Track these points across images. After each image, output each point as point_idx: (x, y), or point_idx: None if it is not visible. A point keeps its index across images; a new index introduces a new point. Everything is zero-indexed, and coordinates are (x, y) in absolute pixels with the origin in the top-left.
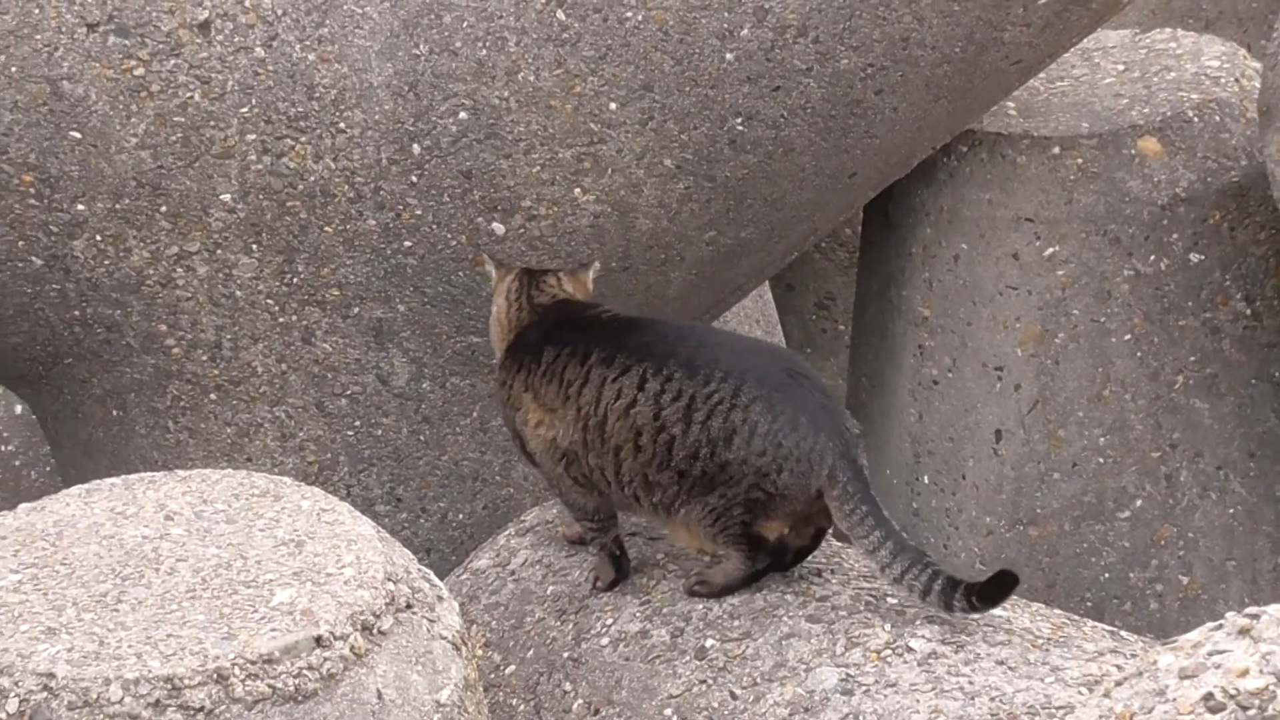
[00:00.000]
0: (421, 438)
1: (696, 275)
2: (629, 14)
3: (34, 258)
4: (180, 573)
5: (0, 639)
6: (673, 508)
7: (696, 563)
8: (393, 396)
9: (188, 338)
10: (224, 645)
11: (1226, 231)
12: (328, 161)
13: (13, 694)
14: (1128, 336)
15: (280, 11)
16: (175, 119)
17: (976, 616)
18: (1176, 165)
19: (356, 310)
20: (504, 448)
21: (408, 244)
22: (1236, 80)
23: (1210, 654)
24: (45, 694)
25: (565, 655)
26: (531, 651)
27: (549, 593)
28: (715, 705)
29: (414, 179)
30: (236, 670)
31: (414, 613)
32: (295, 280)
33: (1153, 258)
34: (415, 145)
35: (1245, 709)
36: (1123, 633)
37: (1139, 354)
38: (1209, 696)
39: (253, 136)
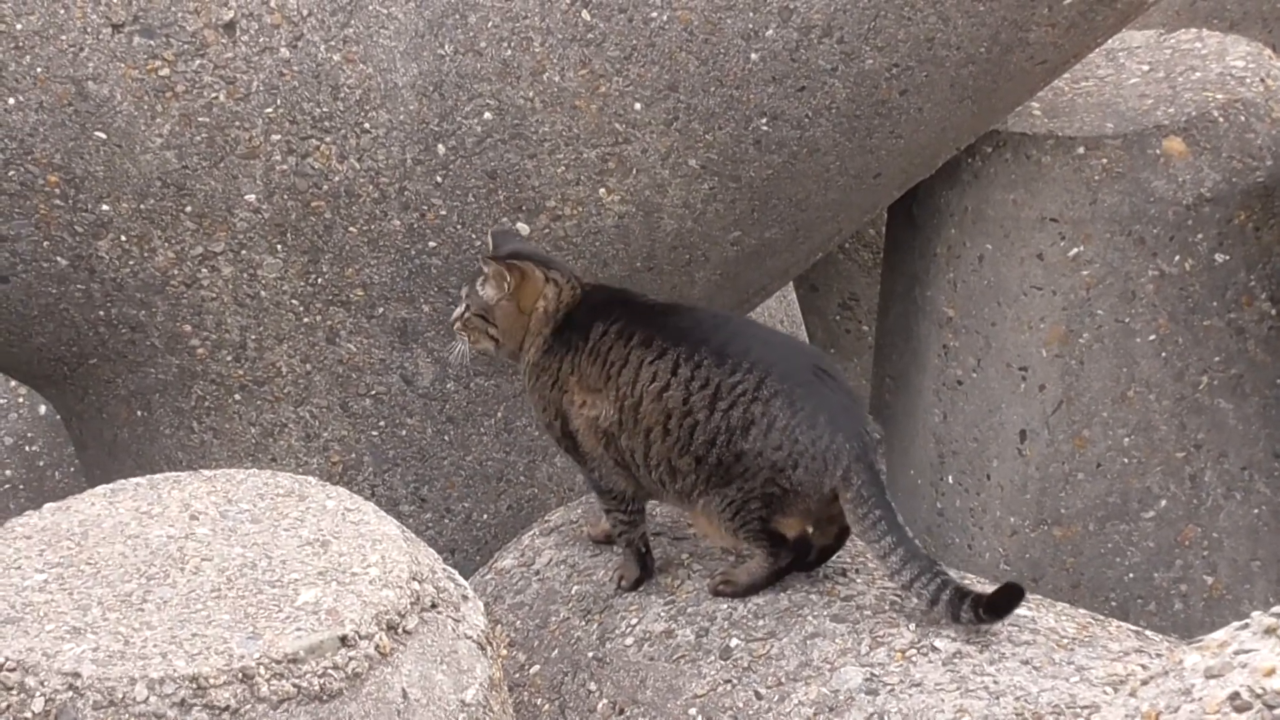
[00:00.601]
0: (446, 438)
1: (721, 275)
2: (654, 14)
3: (59, 258)
4: (205, 572)
5: (26, 638)
6: (691, 496)
7: (721, 562)
8: (417, 397)
9: (212, 338)
10: (249, 645)
11: (1251, 232)
12: (352, 162)
13: (38, 693)
14: (1152, 337)
15: (305, 12)
16: (200, 119)
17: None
18: (1201, 165)
19: (381, 310)
20: (528, 448)
21: (432, 244)
22: (1262, 80)
23: (1236, 653)
24: (71, 693)
25: (590, 655)
26: (556, 651)
27: (574, 592)
28: (740, 705)
29: (439, 179)
30: (262, 670)
31: (439, 612)
32: (320, 280)
33: (1177, 258)
34: (440, 145)
35: (1271, 708)
36: (1147, 632)
37: (1164, 354)
38: (1235, 696)
39: (278, 137)
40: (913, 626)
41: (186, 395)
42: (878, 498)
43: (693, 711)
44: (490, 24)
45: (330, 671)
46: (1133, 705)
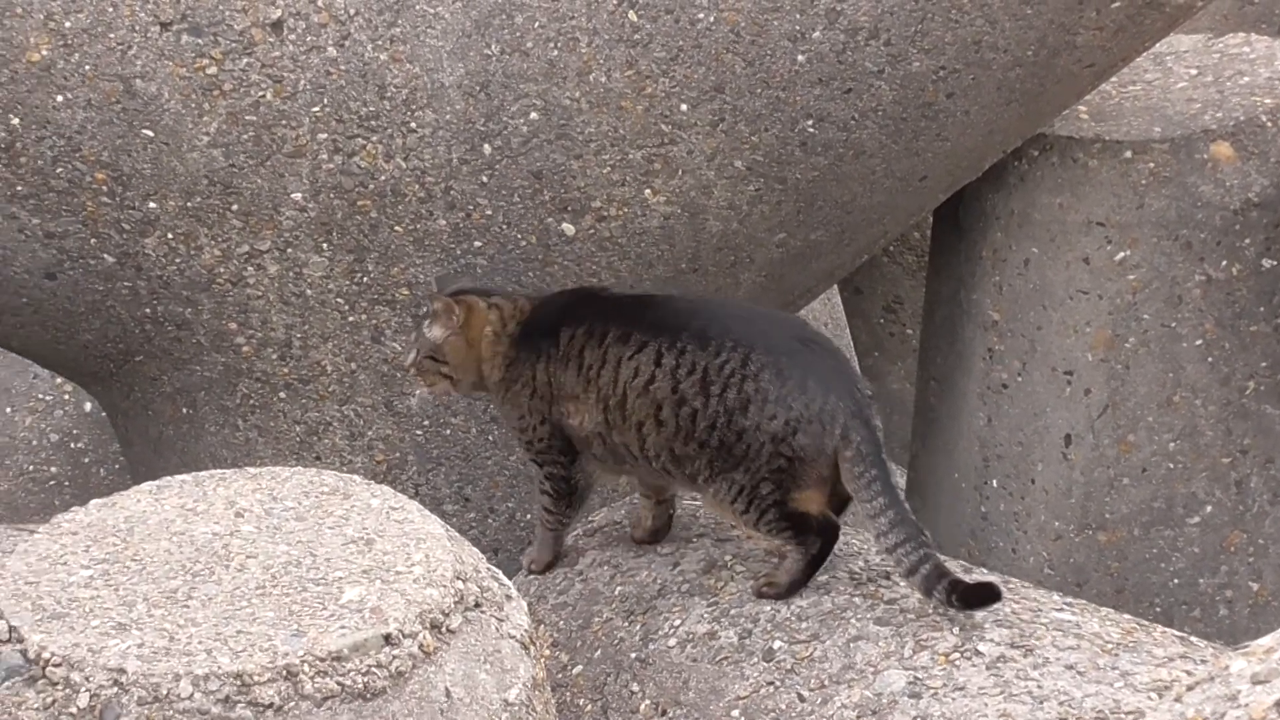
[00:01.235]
0: (490, 438)
1: (766, 277)
2: (701, 15)
3: (106, 255)
4: (250, 570)
5: (71, 634)
6: (699, 481)
7: (764, 564)
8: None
9: (258, 336)
10: (293, 642)
11: None
12: (399, 161)
13: (83, 689)
14: (1199, 342)
15: (352, 11)
16: (247, 118)
17: (1040, 619)
18: (1249, 170)
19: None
20: None
21: (478, 244)
22: None
23: None
24: (115, 689)
25: (633, 656)
26: (599, 652)
27: (616, 593)
28: (783, 707)
29: (484, 179)
30: (306, 667)
31: (483, 612)
32: (365, 279)
33: (1224, 263)
34: (486, 145)
35: None
36: (1192, 638)
37: (1210, 359)
38: None
39: (324, 136)
40: (956, 630)
41: (232, 393)
42: (874, 456)
43: (735, 713)
44: (537, 24)
45: (374, 670)
46: (1178, 711)
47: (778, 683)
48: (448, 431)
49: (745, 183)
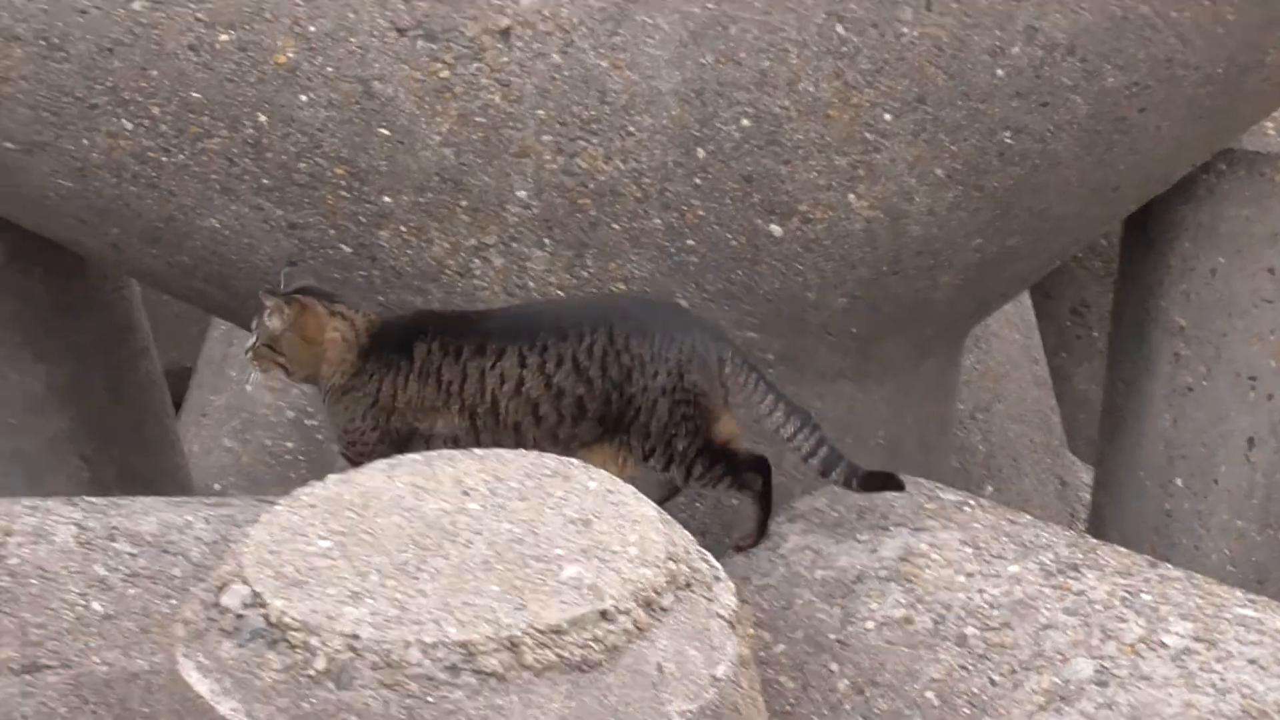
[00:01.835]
0: None
1: (963, 281)
2: (905, 30)
3: (344, 245)
4: (475, 545)
5: (309, 600)
6: (574, 446)
7: (958, 552)
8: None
9: None
10: (516, 615)
11: None
12: (617, 162)
13: (320, 653)
14: None
15: (576, 20)
16: (477, 119)
17: (1224, 614)
18: None
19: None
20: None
21: (690, 243)
22: None
23: None
24: (350, 654)
25: (832, 637)
26: (800, 632)
27: (817, 577)
28: (975, 690)
29: (697, 181)
30: (527, 639)
31: (693, 591)
32: (584, 274)
33: None
34: (700, 149)
35: None
36: None
37: None
38: None
39: (548, 137)
40: (1142, 622)
41: None
42: (747, 363)
43: (929, 695)
44: (750, 36)
45: (591, 643)
46: None
47: (970, 667)
48: None
49: (945, 190)
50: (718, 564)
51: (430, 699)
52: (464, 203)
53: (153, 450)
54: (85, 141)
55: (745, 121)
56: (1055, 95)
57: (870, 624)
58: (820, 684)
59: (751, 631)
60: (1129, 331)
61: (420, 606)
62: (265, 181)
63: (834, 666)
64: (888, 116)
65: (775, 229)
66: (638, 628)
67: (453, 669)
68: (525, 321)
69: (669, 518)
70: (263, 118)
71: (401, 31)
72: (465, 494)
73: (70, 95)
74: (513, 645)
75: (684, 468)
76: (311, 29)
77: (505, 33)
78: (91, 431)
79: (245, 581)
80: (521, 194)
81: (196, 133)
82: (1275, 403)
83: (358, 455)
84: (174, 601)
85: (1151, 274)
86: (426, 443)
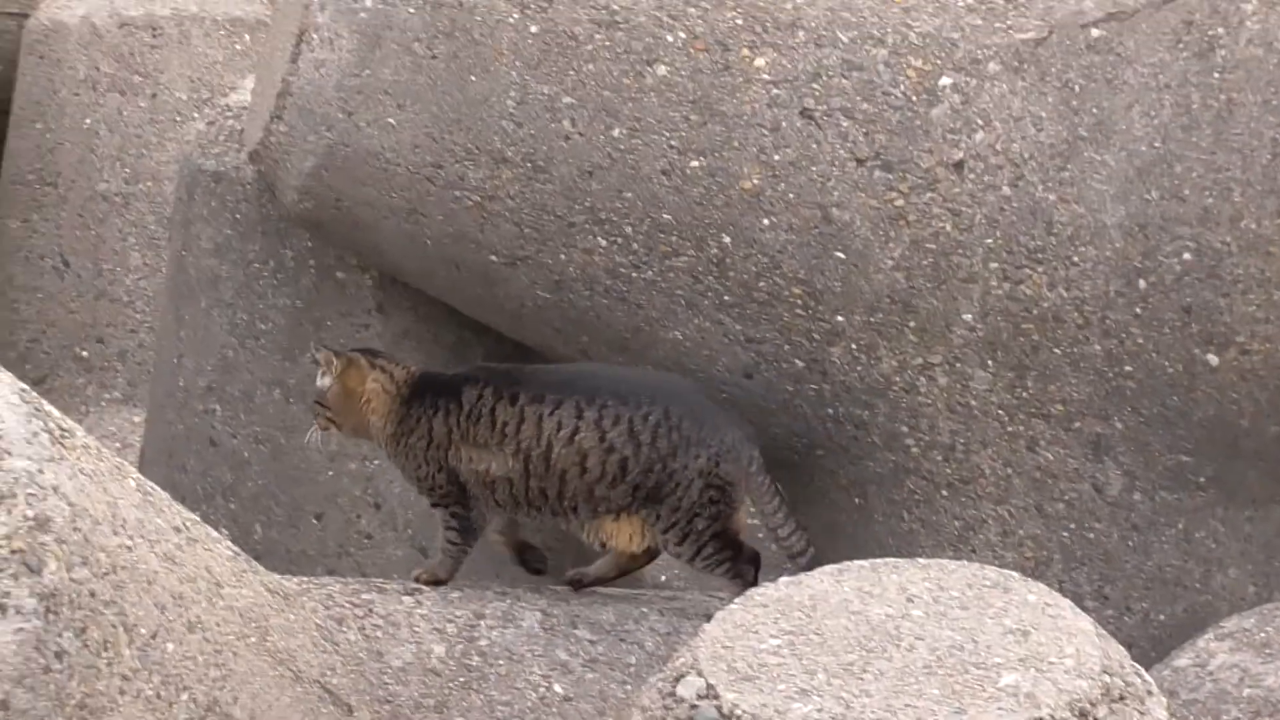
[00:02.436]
0: (1130, 543)
1: None
2: None
3: (797, 360)
4: (918, 650)
5: (760, 695)
6: (600, 512)
7: None
8: (1105, 504)
9: (925, 439)
10: (956, 719)
11: None
12: (1060, 291)
13: None
14: None
15: (1027, 155)
16: (928, 245)
17: None
18: None
19: (1078, 425)
20: (1206, 558)
21: (1128, 369)
22: None
23: None
24: None
25: None
26: None
27: (1245, 695)
28: None
29: (1137, 310)
30: None
31: (1126, 704)
32: (1024, 394)
33: None
34: (1141, 280)
35: None
36: None
37: None
38: None
39: (995, 265)
40: None
41: (899, 488)
42: (766, 469)
43: None
44: (1194, 174)
45: None
46: None
47: None
48: (1091, 535)
49: None
50: (1150, 679)
51: None
52: (912, 323)
53: None
54: (563, 256)
55: (1187, 255)
56: None
57: None
58: None
59: None
60: None
61: (864, 706)
62: (727, 298)
63: None
64: None
65: (1212, 359)
66: None
67: None
68: (582, 380)
69: (1104, 632)
70: (727, 239)
71: (860, 162)
72: (909, 600)
73: (551, 214)
74: None
75: (696, 546)
76: (776, 157)
77: (958, 165)
78: None
79: (700, 674)
80: (967, 317)
81: (665, 251)
82: None
83: (442, 500)
84: (629, 687)
85: None
86: (482, 486)
